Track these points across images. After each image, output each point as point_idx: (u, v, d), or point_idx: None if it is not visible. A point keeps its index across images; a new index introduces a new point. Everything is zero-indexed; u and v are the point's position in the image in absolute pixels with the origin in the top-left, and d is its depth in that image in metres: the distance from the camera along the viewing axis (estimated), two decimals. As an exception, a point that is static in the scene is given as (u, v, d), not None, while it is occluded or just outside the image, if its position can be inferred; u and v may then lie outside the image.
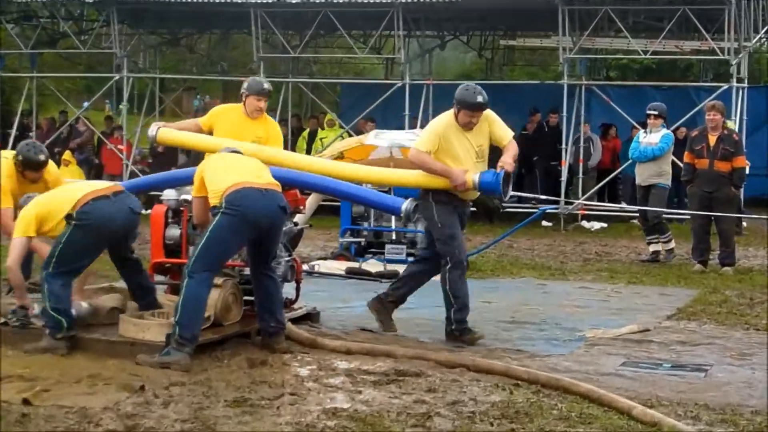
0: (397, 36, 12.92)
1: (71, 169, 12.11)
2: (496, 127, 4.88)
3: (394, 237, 7.88)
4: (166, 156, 12.83)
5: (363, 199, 6.05)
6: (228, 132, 5.14)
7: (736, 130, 9.70)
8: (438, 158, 4.67)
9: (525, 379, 4.03)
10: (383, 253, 7.58)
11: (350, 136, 11.54)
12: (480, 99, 4.65)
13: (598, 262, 8.82)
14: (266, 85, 5.46)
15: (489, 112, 4.89)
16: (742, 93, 11.64)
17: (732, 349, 4.94)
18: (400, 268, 6.36)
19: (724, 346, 5.02)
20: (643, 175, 8.88)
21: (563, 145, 11.92)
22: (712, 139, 8.07)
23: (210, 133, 5.23)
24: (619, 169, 11.77)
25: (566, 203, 11.71)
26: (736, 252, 8.13)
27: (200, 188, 4.30)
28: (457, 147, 4.71)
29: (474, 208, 5.86)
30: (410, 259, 7.00)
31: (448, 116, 4.84)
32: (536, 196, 11.16)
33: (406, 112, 12.30)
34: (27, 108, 14.28)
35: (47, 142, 11.11)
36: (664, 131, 9.07)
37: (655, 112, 8.94)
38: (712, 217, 7.95)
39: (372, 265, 7.32)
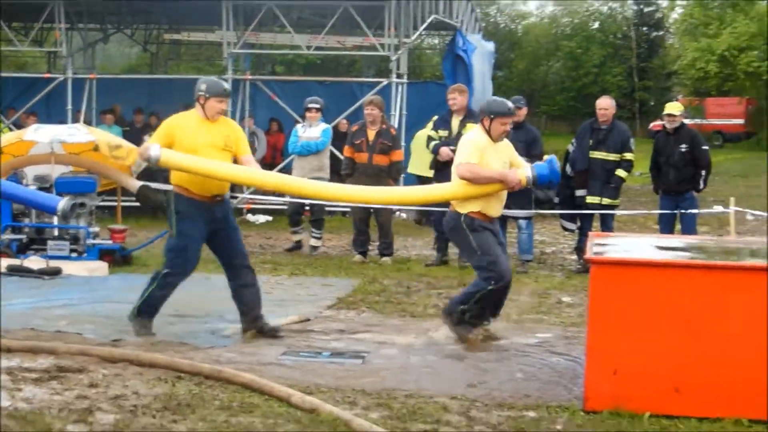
0: (59, 29, 12.74)
1: None
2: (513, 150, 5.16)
3: (56, 233, 7.71)
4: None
5: (19, 198, 6.59)
6: (195, 140, 4.89)
7: (395, 125, 10.58)
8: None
9: (187, 371, 4.08)
10: (46, 250, 7.53)
11: (11, 130, 10.82)
12: (510, 104, 5.15)
13: (262, 255, 8.77)
14: (226, 85, 5.32)
15: None
16: (402, 88, 12.01)
17: (389, 335, 5.23)
18: (64, 265, 7.05)
19: (382, 333, 5.29)
20: (304, 169, 8.82)
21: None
22: (371, 134, 8.39)
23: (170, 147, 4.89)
24: (282, 164, 11.63)
25: (232, 197, 11.30)
26: (394, 243, 8.72)
27: None
28: (494, 160, 4.85)
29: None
30: (74, 255, 7.42)
31: (479, 132, 4.99)
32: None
33: (69, 106, 12.22)
34: None
35: None
36: (323, 125, 9.47)
37: (317, 106, 9.27)
38: (371, 210, 8.33)
39: (34, 262, 7.25)
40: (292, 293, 6.75)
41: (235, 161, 5.05)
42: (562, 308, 6.34)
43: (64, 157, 7.28)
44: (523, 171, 4.92)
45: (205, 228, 4.90)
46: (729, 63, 24.97)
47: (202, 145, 4.86)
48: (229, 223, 5.15)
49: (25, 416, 3.35)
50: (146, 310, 4.97)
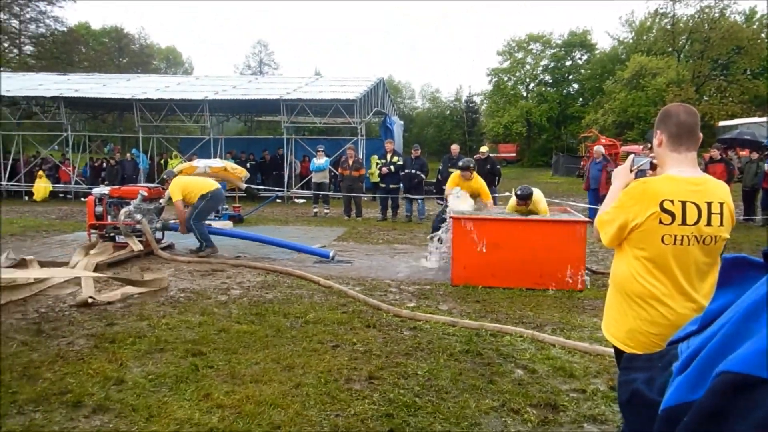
0: (206, 116, 22.55)
1: (43, 179, 22.03)
2: None
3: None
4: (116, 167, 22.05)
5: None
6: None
7: (361, 156, 16.03)
8: None
9: (271, 269, 8.24)
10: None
11: (183, 162, 18.45)
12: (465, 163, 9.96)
13: (301, 218, 15.09)
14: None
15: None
16: (363, 141, 21.64)
17: (362, 252, 9.44)
18: (213, 223, 11.74)
19: (359, 252, 9.49)
20: (318, 177, 16.01)
21: None
22: (350, 161, 14.19)
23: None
24: (308, 176, 18.10)
25: (278, 192, 17.39)
26: (362, 211, 14.66)
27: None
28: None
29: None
30: (216, 218, 13.17)
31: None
32: None
33: (211, 151, 21.50)
34: (16, 150, 23.75)
35: (29, 167, 22.91)
36: (326, 158, 15.74)
37: (322, 149, 15.30)
38: (352, 197, 13.28)
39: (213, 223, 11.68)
40: (317, 234, 12.02)
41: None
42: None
43: (210, 173, 12.03)
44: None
45: None
46: (508, 128, 53.26)
47: None
48: None
49: (196, 291, 7.24)
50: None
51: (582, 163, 31.63)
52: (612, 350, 2.96)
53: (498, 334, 5.65)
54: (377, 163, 16.26)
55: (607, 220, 2.66)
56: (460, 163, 9.95)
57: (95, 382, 4.26)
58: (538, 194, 8.73)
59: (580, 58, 55.68)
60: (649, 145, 7.18)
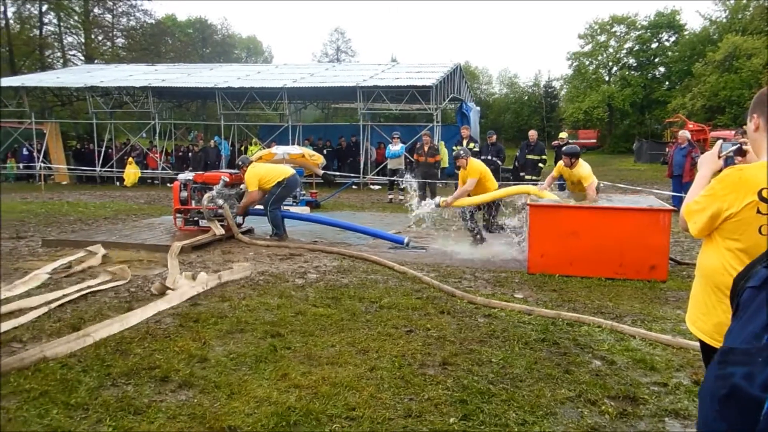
0: (285, 103, 24.89)
1: (133, 166, 23.09)
2: None
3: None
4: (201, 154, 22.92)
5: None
6: None
7: (436, 143, 15.82)
8: None
9: (347, 254, 8.27)
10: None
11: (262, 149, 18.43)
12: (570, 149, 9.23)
13: (376, 204, 14.34)
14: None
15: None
16: (439, 127, 21.14)
17: (436, 239, 9.54)
18: (291, 209, 12.00)
19: (432, 238, 9.53)
20: (393, 163, 16.04)
21: None
22: (426, 148, 13.70)
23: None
24: (384, 163, 17.84)
25: (355, 179, 17.23)
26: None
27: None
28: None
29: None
30: (293, 203, 13.13)
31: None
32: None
33: (289, 138, 22.22)
34: (109, 138, 25.78)
35: (120, 154, 24.40)
36: (401, 144, 15.59)
37: (398, 135, 14.98)
38: (427, 183, 13.01)
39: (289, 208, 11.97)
40: (392, 220, 12.37)
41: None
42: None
43: (288, 159, 12.87)
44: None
45: None
46: (588, 114, 51.41)
47: None
48: None
49: (275, 274, 7.41)
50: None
51: (666, 149, 30.37)
52: (697, 344, 2.84)
53: (575, 324, 5.53)
54: (453, 149, 16.11)
55: (696, 210, 2.52)
56: (564, 148, 9.57)
57: (181, 359, 4.47)
58: (585, 164, 8.89)
59: (667, 40, 52.97)
60: (743, 131, 6.80)
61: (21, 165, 25.30)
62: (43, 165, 23.16)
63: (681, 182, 13.50)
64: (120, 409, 3.64)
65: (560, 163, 9.31)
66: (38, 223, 11.99)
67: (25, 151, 25.06)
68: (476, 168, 9.37)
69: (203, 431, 3.40)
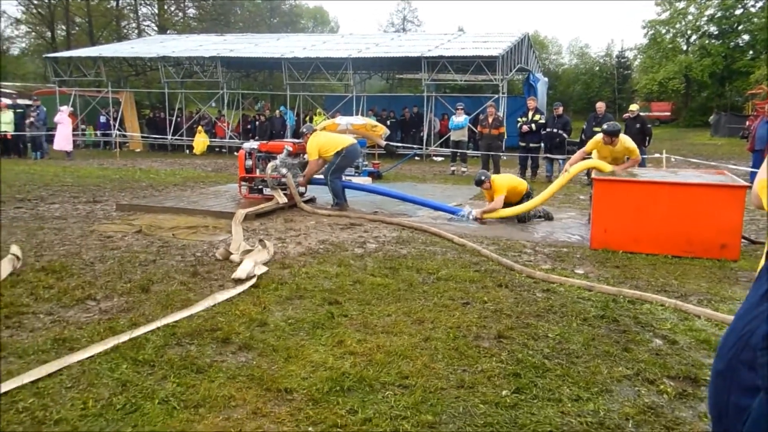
0: (350, 73, 23.83)
1: (202, 134, 24.02)
2: None
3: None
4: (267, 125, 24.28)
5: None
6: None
7: (501, 115, 15.74)
8: None
9: (407, 225, 8.34)
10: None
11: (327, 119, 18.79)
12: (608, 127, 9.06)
13: (439, 176, 13.59)
14: None
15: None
16: (504, 99, 21.07)
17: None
18: (353, 179, 12.31)
19: None
20: (456, 135, 16.94)
21: None
22: (490, 119, 13.98)
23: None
24: (447, 134, 16.99)
25: (418, 150, 17.80)
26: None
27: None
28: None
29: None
30: (355, 174, 13.71)
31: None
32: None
33: (353, 108, 22.48)
34: (179, 107, 26.64)
35: (190, 122, 25.45)
36: (465, 116, 15.81)
37: (462, 107, 15.05)
38: (490, 155, 12.74)
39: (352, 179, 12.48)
40: (453, 192, 12.40)
41: None
42: (580, 202, 10.64)
43: (352, 130, 12.88)
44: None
45: None
46: (663, 85, 49.62)
47: None
48: None
49: (335, 243, 7.52)
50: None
51: (748, 122, 28.84)
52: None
53: (637, 302, 5.39)
54: (519, 121, 15.70)
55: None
56: (605, 125, 9.07)
57: (241, 322, 4.62)
58: (627, 137, 8.80)
59: (753, 6, 49.91)
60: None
61: (98, 132, 26.42)
62: (118, 133, 24.10)
63: (762, 157, 12.84)
64: (183, 367, 3.81)
65: (597, 138, 9.00)
66: (113, 189, 12.53)
67: (102, 119, 26.13)
68: (500, 184, 9.43)
69: (261, 392, 3.53)
